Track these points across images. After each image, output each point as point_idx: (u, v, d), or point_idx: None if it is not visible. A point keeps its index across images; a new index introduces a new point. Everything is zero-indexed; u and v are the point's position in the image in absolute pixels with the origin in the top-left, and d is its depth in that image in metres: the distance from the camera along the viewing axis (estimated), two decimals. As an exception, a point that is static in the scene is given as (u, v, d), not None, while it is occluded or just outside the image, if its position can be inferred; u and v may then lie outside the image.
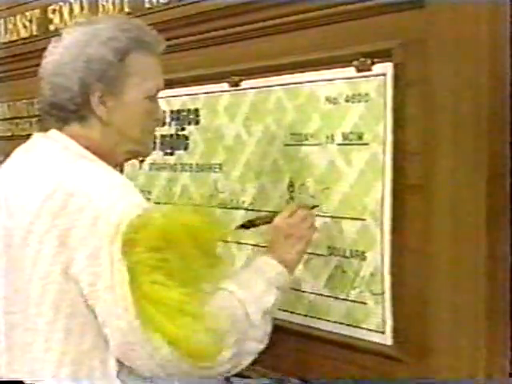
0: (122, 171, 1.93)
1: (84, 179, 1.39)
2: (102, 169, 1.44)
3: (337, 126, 1.60)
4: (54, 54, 1.49)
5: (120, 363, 1.38)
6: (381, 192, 1.51)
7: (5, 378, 1.48)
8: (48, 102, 1.50)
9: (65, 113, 1.48)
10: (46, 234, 1.36)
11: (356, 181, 1.56)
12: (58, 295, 1.36)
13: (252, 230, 1.67)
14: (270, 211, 1.72)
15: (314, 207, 1.61)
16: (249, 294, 1.45)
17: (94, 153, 1.47)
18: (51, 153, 1.47)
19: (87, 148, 1.47)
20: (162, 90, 1.56)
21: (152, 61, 1.52)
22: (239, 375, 1.59)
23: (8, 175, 1.52)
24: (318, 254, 1.61)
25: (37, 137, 1.55)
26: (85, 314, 1.36)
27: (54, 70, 1.48)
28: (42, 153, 1.49)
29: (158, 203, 2.07)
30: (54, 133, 1.51)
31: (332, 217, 1.61)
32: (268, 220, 1.61)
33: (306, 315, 1.69)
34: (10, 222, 1.45)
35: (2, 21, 2.85)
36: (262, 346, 1.47)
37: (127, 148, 1.52)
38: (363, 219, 1.55)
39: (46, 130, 1.55)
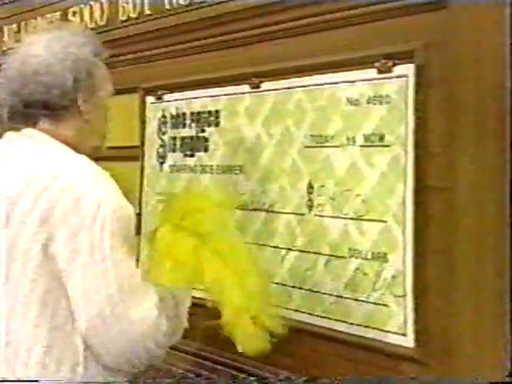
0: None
1: (67, 164, 1.49)
2: (82, 157, 1.53)
3: (358, 127, 1.60)
4: (35, 57, 1.54)
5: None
6: (402, 194, 1.50)
7: None
8: (25, 101, 1.55)
9: (44, 110, 1.55)
10: (27, 215, 1.44)
11: (377, 182, 1.56)
12: (36, 270, 1.44)
13: None
14: (289, 212, 1.72)
15: None
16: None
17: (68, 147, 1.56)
18: (30, 146, 1.55)
19: (61, 142, 1.56)
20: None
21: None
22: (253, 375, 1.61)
23: None
24: (338, 256, 1.60)
25: (11, 135, 1.60)
26: (59, 290, 1.44)
27: (40, 69, 1.53)
28: (20, 147, 1.56)
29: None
30: (28, 130, 1.58)
31: (352, 218, 1.61)
32: None
33: (326, 317, 1.68)
34: None
35: (23, 23, 2.86)
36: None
37: (95, 144, 1.64)
38: (385, 221, 1.54)
39: (8, 130, 1.61)
